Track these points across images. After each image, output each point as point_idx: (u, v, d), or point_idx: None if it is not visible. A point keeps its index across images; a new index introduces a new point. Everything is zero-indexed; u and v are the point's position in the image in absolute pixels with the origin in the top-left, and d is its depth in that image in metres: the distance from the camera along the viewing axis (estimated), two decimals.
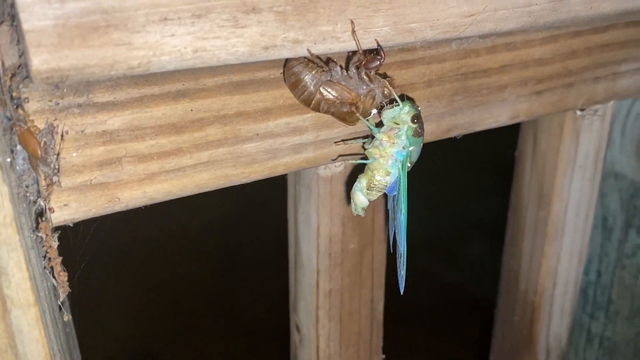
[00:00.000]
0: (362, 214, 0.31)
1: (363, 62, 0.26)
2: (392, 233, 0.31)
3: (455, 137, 0.37)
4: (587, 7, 0.32)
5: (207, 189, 0.30)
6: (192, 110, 0.27)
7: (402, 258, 0.29)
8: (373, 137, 0.29)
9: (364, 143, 0.30)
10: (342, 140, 0.30)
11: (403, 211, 0.28)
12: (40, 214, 0.26)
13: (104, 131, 0.26)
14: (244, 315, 1.06)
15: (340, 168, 0.37)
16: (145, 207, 0.29)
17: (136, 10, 0.20)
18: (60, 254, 0.27)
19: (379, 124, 0.29)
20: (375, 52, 0.26)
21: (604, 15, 0.33)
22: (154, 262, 1.16)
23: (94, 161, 0.26)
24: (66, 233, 0.28)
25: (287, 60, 0.26)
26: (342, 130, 0.32)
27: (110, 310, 1.03)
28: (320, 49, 0.25)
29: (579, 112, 0.42)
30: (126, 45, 0.21)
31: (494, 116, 0.37)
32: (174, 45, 0.22)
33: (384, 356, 0.49)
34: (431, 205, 1.26)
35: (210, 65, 0.23)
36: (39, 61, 0.20)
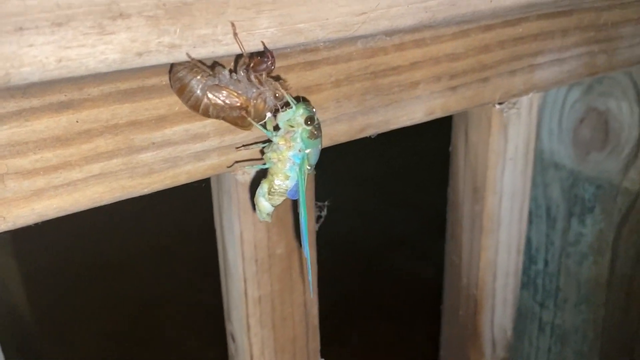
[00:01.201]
0: (268, 219, 0.30)
1: (251, 65, 0.25)
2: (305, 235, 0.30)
3: (370, 137, 0.36)
4: (487, 1, 0.32)
5: (103, 203, 0.28)
6: (77, 121, 0.26)
7: (308, 262, 0.28)
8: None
9: (263, 147, 0.29)
10: (243, 146, 0.30)
11: (303, 215, 0.28)
12: None
13: None
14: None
15: (254, 171, 0.37)
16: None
17: None
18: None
19: (277, 128, 0.28)
20: (262, 55, 0.25)
21: (506, 8, 0.33)
22: (118, 281, 1.14)
23: None
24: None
25: (171, 66, 0.26)
26: (247, 135, 0.31)
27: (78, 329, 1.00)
28: (202, 52, 0.24)
29: (497, 106, 0.42)
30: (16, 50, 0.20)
31: (408, 113, 0.37)
32: (34, 55, 0.21)
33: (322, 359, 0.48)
34: (401, 204, 1.27)
35: (80, 74, 0.22)
36: None
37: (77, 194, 0.27)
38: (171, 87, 0.26)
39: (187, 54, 0.24)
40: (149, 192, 0.30)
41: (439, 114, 0.38)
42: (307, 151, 0.27)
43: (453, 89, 0.38)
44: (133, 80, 0.27)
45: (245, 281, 0.41)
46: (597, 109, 0.66)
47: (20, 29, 0.20)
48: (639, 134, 0.62)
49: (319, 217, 0.43)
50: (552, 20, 0.41)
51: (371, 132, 0.36)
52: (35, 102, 0.25)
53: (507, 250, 0.57)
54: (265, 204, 0.29)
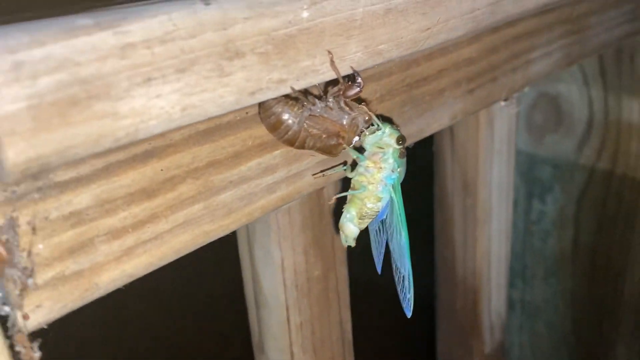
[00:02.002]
0: (353, 244, 0.30)
1: (342, 92, 0.25)
2: (380, 254, 0.30)
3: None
4: (517, 6, 0.33)
5: (186, 252, 0.27)
6: (162, 170, 0.24)
7: (407, 281, 0.28)
8: (352, 165, 0.28)
9: (344, 170, 0.28)
10: (321, 172, 0.29)
11: (404, 234, 0.27)
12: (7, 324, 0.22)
13: (70, 213, 0.22)
14: None
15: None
16: None
17: (117, 75, 0.18)
18: None
19: (360, 151, 0.28)
20: (351, 79, 0.25)
21: (529, 10, 0.35)
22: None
23: (64, 248, 0.22)
24: None
25: (261, 102, 0.24)
26: (311, 160, 0.30)
27: None
28: (301, 84, 0.24)
29: (503, 103, 0.44)
30: (111, 116, 0.18)
31: (437, 120, 0.38)
32: (161, 107, 0.19)
33: None
34: None
35: (199, 120, 0.21)
36: (14, 153, 0.16)
37: (164, 247, 0.25)
38: (263, 122, 0.25)
39: (292, 87, 0.23)
40: (227, 234, 0.28)
41: (460, 117, 0.40)
42: (399, 170, 0.27)
43: (471, 91, 0.39)
44: (211, 120, 0.25)
45: (287, 308, 0.40)
46: (548, 94, 0.70)
47: (149, 79, 0.18)
48: (589, 113, 0.67)
49: None
50: (541, 17, 0.43)
51: (409, 142, 0.36)
52: (121, 155, 0.23)
53: (498, 237, 0.59)
54: (353, 229, 0.29)
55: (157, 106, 0.19)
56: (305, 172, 0.30)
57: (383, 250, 0.31)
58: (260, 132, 0.27)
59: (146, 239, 0.25)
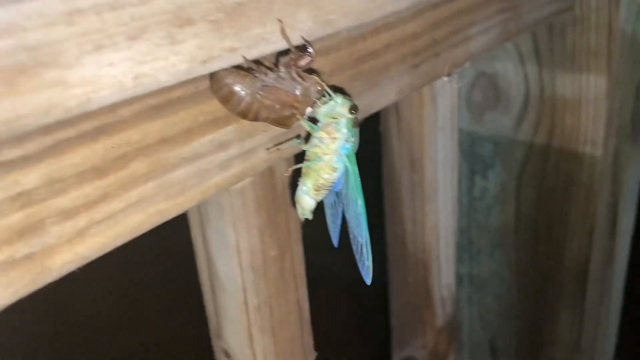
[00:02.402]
0: (310, 216, 0.30)
1: (294, 61, 0.25)
2: (336, 226, 0.30)
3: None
4: None
5: (142, 232, 0.26)
6: (112, 147, 0.24)
7: (365, 248, 0.28)
8: (305, 137, 0.28)
9: (299, 142, 0.29)
10: (275, 145, 0.29)
11: (360, 202, 0.28)
12: None
13: (18, 193, 0.21)
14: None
15: (249, 177, 0.36)
16: None
17: (67, 41, 0.17)
18: None
19: (313, 122, 0.28)
20: (302, 49, 0.25)
21: None
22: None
23: (14, 231, 0.21)
24: None
25: (212, 74, 0.24)
26: (264, 136, 0.30)
27: None
28: (253, 53, 0.23)
29: (446, 78, 0.45)
30: (61, 85, 0.17)
31: (385, 95, 0.38)
32: (113, 75, 0.19)
33: (316, 353, 0.48)
34: None
35: (151, 90, 0.20)
36: None
37: (118, 227, 0.25)
38: (215, 95, 0.25)
39: (243, 57, 0.23)
40: (182, 212, 0.28)
41: (406, 92, 0.40)
42: (352, 139, 0.27)
43: (416, 66, 0.40)
44: (161, 94, 0.25)
45: (245, 291, 0.40)
46: (486, 73, 0.72)
47: (100, 47, 0.18)
48: (525, 90, 0.70)
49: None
50: None
51: (359, 117, 0.37)
52: (71, 131, 0.22)
53: (445, 211, 0.61)
54: (309, 201, 0.29)
55: (109, 75, 0.18)
56: (258, 148, 0.30)
57: (339, 223, 0.31)
58: (212, 107, 0.27)
59: (99, 219, 0.24)
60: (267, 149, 0.29)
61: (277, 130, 0.30)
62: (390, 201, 0.62)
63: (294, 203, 0.30)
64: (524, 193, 0.77)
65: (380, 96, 0.38)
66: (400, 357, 0.69)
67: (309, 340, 0.47)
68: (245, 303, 0.40)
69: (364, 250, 0.29)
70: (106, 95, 0.19)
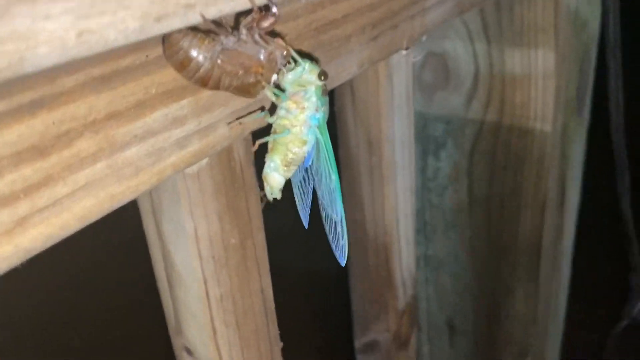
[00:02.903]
0: (278, 196, 0.28)
1: (256, 22, 0.22)
2: (306, 206, 0.28)
3: None
4: None
5: (93, 219, 0.23)
6: (54, 123, 0.21)
7: (339, 226, 0.27)
8: (270, 109, 0.26)
9: (263, 115, 0.26)
10: (237, 119, 0.26)
11: (334, 177, 0.26)
12: None
13: None
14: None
15: (205, 159, 0.33)
16: None
17: None
18: None
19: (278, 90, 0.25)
20: (265, 9, 0.23)
21: None
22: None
23: None
24: None
25: (165, 37, 0.22)
26: (222, 110, 0.28)
27: None
28: (212, 12, 0.21)
29: (404, 52, 0.44)
30: (5, 41, 0.14)
31: (347, 68, 0.37)
32: (51, 30, 0.16)
33: (281, 344, 0.46)
34: None
35: (97, 51, 0.18)
36: None
37: (65, 214, 0.22)
38: (169, 61, 0.22)
39: (201, 15, 0.20)
40: (136, 197, 0.25)
41: (366, 65, 0.39)
42: (323, 109, 0.25)
43: (374, 39, 0.39)
44: (106, 63, 0.22)
45: (205, 282, 0.37)
46: (436, 53, 0.72)
47: None
48: (475, 68, 0.70)
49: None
50: None
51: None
52: (3, 105, 0.19)
53: (404, 193, 0.60)
54: (278, 179, 0.27)
55: (47, 29, 0.16)
56: (217, 124, 0.28)
57: (310, 202, 0.29)
58: (165, 77, 0.24)
59: (42, 205, 0.21)
60: (228, 123, 0.26)
61: (237, 103, 0.28)
62: (349, 183, 0.60)
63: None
64: (476, 171, 0.77)
65: (341, 69, 0.36)
66: (363, 342, 0.68)
67: (274, 330, 0.45)
68: (207, 295, 0.38)
69: (339, 228, 0.27)
70: (44, 53, 0.16)
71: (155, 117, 0.25)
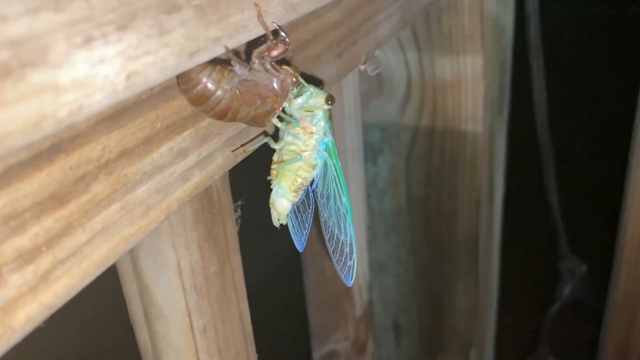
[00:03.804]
0: (285, 222, 0.28)
1: (267, 51, 0.22)
2: (304, 229, 0.28)
3: None
4: None
5: (107, 265, 0.22)
6: (71, 167, 0.20)
7: (348, 247, 0.27)
8: (274, 134, 0.25)
9: (267, 141, 0.26)
10: (242, 146, 0.26)
11: (345, 198, 0.26)
12: None
13: None
14: None
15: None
16: None
17: (54, 33, 0.13)
18: None
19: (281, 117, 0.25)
20: (276, 38, 0.23)
21: None
22: None
23: None
24: None
25: (181, 74, 0.21)
26: (219, 139, 0.27)
27: None
28: (232, 43, 0.21)
29: (362, 67, 0.45)
30: (52, 90, 0.13)
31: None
32: (105, 75, 0.15)
33: None
34: None
35: (139, 92, 0.17)
36: None
37: (84, 263, 0.21)
38: (186, 95, 0.21)
39: (226, 47, 0.20)
40: (146, 235, 0.24)
41: (334, 82, 0.39)
42: (332, 133, 0.25)
43: (339, 56, 0.39)
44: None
45: (189, 314, 0.36)
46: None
47: (90, 39, 0.14)
48: (407, 76, 0.73)
49: (237, 220, 0.40)
50: None
51: None
52: (24, 154, 0.18)
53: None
54: (286, 205, 0.26)
55: (102, 74, 0.15)
56: (215, 153, 0.27)
57: (310, 225, 0.29)
58: (168, 110, 0.24)
59: (64, 257, 0.20)
60: (233, 151, 0.26)
61: (229, 131, 0.27)
62: None
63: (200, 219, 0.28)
64: (413, 174, 0.80)
65: None
66: (322, 353, 0.69)
67: (253, 354, 0.44)
68: (191, 327, 0.37)
69: (346, 249, 0.27)
70: (98, 100, 0.15)
71: (161, 152, 0.24)
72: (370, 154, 0.81)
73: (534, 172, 0.80)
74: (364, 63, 0.45)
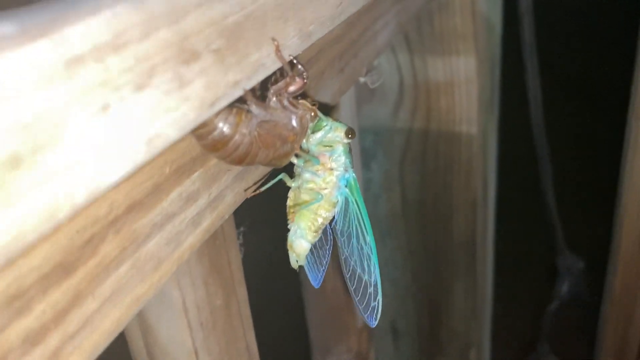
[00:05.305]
0: (304, 263, 0.26)
1: (285, 87, 0.20)
2: (321, 265, 0.27)
3: None
4: None
5: (119, 331, 0.20)
6: (77, 231, 0.17)
7: (372, 287, 0.25)
8: (291, 170, 0.24)
9: (282, 179, 0.24)
10: (255, 186, 0.24)
11: (369, 238, 0.24)
12: None
13: None
14: None
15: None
16: None
17: (69, 104, 0.11)
18: None
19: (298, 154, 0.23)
20: (294, 72, 0.21)
21: None
22: None
23: None
24: None
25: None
26: (228, 176, 0.25)
27: None
28: (252, 83, 0.19)
29: (362, 79, 0.43)
30: (69, 173, 0.11)
31: (322, 105, 0.35)
32: (126, 144, 0.13)
33: None
34: None
35: (158, 153, 0.15)
36: None
37: (95, 334, 0.19)
38: (201, 141, 0.19)
39: (244, 90, 0.18)
40: (158, 290, 0.22)
41: (337, 98, 0.37)
42: (353, 168, 0.23)
43: (342, 70, 0.37)
44: None
45: (196, 352, 0.34)
46: None
47: (106, 106, 0.12)
48: (399, 78, 0.71)
49: (240, 247, 0.38)
50: None
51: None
52: None
53: None
54: (305, 246, 0.24)
55: (122, 145, 0.13)
56: (225, 191, 0.25)
57: (327, 262, 0.27)
58: (176, 153, 0.22)
59: (73, 331, 0.18)
60: (245, 190, 0.24)
61: (267, 167, 0.25)
62: None
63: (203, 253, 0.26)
64: (407, 178, 0.78)
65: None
66: None
67: None
68: None
69: (371, 289, 0.25)
70: (118, 173, 0.13)
71: (171, 200, 0.22)
72: (364, 159, 0.79)
73: (529, 170, 0.79)
74: (365, 75, 0.43)
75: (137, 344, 0.35)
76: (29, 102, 0.10)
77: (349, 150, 0.23)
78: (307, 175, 0.23)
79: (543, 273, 0.84)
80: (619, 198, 0.71)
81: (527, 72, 0.71)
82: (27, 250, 0.16)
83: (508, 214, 0.81)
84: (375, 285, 0.25)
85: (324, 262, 0.27)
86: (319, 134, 0.22)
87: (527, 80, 0.72)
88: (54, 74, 0.11)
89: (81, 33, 0.11)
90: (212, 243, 0.34)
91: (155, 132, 0.14)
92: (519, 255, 0.83)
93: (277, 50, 0.19)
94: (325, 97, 0.35)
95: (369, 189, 0.81)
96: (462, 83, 0.68)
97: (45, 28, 0.11)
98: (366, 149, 0.78)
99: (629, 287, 0.77)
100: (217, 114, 0.19)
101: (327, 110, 0.26)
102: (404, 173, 0.78)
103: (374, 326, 0.25)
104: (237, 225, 0.37)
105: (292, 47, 0.21)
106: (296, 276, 0.61)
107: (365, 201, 0.77)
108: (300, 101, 0.22)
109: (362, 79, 0.44)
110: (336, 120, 0.23)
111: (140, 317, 0.34)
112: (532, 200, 0.81)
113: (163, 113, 0.14)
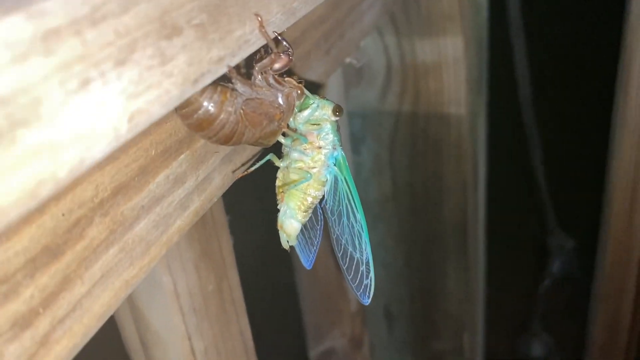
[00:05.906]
0: (295, 243, 0.26)
1: (270, 64, 0.20)
2: (312, 246, 0.27)
3: None
4: None
5: (110, 314, 0.20)
6: (63, 214, 0.17)
7: (363, 265, 0.25)
8: (279, 150, 0.23)
9: (270, 159, 0.24)
10: (244, 167, 0.24)
11: (359, 215, 0.24)
12: None
13: None
14: None
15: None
16: None
17: (46, 80, 0.11)
18: None
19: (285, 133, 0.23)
20: (279, 49, 0.20)
21: None
22: None
23: None
24: None
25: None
26: (215, 158, 0.25)
27: None
28: (234, 61, 0.18)
29: (348, 60, 0.43)
30: (50, 150, 0.11)
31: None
32: (108, 119, 0.13)
33: None
34: None
35: (142, 130, 0.15)
36: None
37: (85, 318, 0.18)
38: (186, 121, 0.19)
39: (229, 66, 0.18)
40: (147, 274, 0.22)
41: (324, 80, 0.37)
42: (341, 145, 0.23)
43: (327, 52, 0.37)
44: None
45: (189, 337, 0.34)
46: None
47: (87, 80, 0.12)
48: (386, 61, 0.71)
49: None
50: None
51: None
52: None
53: None
54: (296, 226, 0.24)
55: (103, 120, 0.13)
56: (213, 173, 0.25)
57: (319, 242, 0.27)
58: (162, 135, 0.21)
59: (63, 315, 0.17)
60: (233, 171, 0.24)
61: (227, 148, 0.25)
62: None
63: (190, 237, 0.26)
64: (397, 161, 0.78)
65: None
66: (319, 351, 0.67)
67: None
68: (192, 351, 0.35)
69: (362, 267, 0.25)
70: (100, 149, 0.13)
71: (158, 182, 0.21)
72: (353, 143, 0.79)
73: (519, 151, 0.79)
74: (350, 56, 0.43)
75: (129, 331, 0.35)
76: (5, 76, 0.10)
77: (337, 128, 0.23)
78: (295, 155, 0.23)
79: (535, 253, 0.85)
80: (607, 176, 0.71)
81: (515, 52, 0.71)
82: (12, 230, 0.15)
83: (498, 194, 0.82)
84: (367, 263, 0.25)
85: (316, 242, 0.27)
86: (306, 112, 0.22)
87: (514, 60, 0.72)
88: (31, 47, 0.11)
89: (58, 6, 0.11)
90: (202, 228, 0.33)
91: (138, 108, 0.14)
92: (511, 236, 0.83)
93: (261, 26, 0.18)
94: (312, 79, 0.35)
95: (359, 174, 0.81)
96: (450, 64, 0.68)
97: (20, 1, 0.11)
98: (355, 133, 0.78)
99: (619, 264, 0.78)
100: (202, 92, 0.19)
101: (314, 89, 0.25)
102: (393, 156, 0.78)
103: (367, 304, 0.25)
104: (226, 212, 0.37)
105: (277, 23, 0.21)
106: (289, 261, 0.61)
107: (356, 186, 0.77)
108: (286, 79, 0.21)
109: (347, 59, 0.43)
110: (323, 97, 0.23)
111: (132, 304, 0.33)
112: (522, 180, 0.82)
113: (145, 89, 0.14)
